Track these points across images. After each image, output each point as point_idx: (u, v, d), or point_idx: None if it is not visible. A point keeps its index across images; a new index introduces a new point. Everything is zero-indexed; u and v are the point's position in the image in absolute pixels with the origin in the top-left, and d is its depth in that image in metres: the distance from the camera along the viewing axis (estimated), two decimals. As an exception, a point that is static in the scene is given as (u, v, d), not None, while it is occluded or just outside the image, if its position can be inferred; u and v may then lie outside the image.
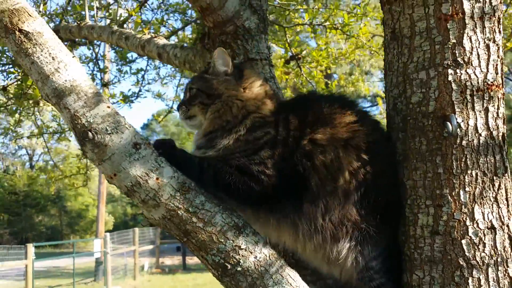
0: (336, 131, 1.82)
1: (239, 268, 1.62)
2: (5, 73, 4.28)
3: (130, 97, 4.76)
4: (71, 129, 1.62)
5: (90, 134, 1.57)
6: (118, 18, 3.54)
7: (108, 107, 1.62)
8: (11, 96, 4.31)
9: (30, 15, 1.63)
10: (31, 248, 13.09)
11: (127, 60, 4.62)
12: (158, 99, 5.26)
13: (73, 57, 1.65)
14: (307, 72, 4.61)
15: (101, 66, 4.89)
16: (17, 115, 4.74)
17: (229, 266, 1.63)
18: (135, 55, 4.39)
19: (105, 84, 4.97)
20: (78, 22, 3.53)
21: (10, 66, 4.16)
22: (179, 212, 1.61)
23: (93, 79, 4.80)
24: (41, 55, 1.60)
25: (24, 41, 1.60)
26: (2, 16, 1.60)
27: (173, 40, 5.02)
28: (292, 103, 2.07)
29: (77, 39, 3.86)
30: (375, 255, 1.80)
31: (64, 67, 1.61)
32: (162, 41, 2.77)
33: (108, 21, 4.08)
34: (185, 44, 3.55)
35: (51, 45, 1.62)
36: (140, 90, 4.73)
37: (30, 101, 4.34)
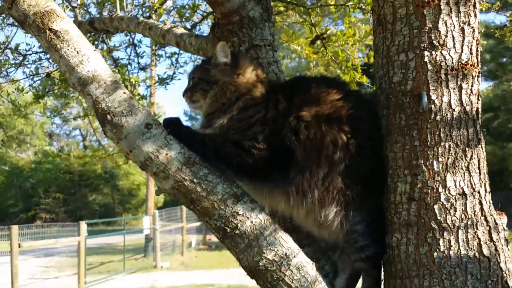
0: (320, 108, 2.03)
1: (237, 231, 1.85)
2: (50, 60, 4.66)
3: (165, 79, 5.06)
4: (94, 112, 1.90)
5: (108, 116, 1.84)
6: (144, 10, 3.83)
7: (124, 93, 1.87)
8: (57, 81, 4.67)
9: (58, 16, 1.89)
10: (83, 225, 13.64)
11: (162, 44, 4.90)
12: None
13: (94, 50, 1.92)
14: (332, 51, 4.78)
15: (138, 51, 5.21)
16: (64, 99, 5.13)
17: (228, 230, 1.86)
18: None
19: (142, 68, 5.29)
20: (110, 14, 3.84)
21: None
22: (185, 183, 1.84)
23: (130, 64, 5.13)
24: (68, 49, 1.86)
25: (54, 38, 1.87)
26: (35, 17, 1.87)
27: (206, 23, 5.26)
28: (283, 86, 2.29)
29: (110, 29, 4.15)
30: (359, 220, 2.01)
31: (87, 59, 1.87)
32: (179, 30, 3.02)
33: (139, 10, 4.38)
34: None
35: (76, 41, 1.88)
36: (174, 73, 5.02)
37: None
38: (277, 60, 2.43)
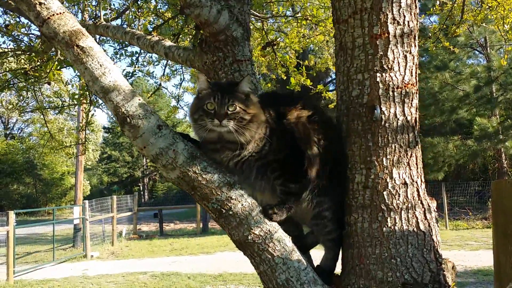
0: (300, 113, 2.48)
1: (230, 212, 2.30)
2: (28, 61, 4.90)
3: (125, 76, 5.38)
4: (114, 115, 2.29)
5: (128, 119, 2.24)
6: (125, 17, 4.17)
7: (139, 99, 2.29)
8: (30, 77, 4.91)
9: (84, 34, 2.28)
10: (12, 215, 13.64)
11: (123, 44, 5.23)
12: (147, 77, 5.87)
13: (114, 64, 2.32)
14: (281, 55, 5.32)
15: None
16: (24, 93, 5.36)
17: (223, 211, 2.30)
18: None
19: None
20: (95, 22, 4.15)
21: (28, 53, 4.76)
22: (189, 173, 2.27)
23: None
24: (92, 63, 2.25)
25: (80, 53, 2.25)
26: (64, 35, 2.25)
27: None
28: (265, 101, 2.56)
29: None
30: (328, 207, 2.50)
31: (109, 71, 2.26)
32: (168, 43, 3.40)
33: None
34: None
35: (99, 56, 2.27)
36: (134, 71, 5.35)
37: (45, 81, 4.95)
38: (255, 72, 2.89)
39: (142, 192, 50.14)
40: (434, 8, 5.55)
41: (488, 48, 21.78)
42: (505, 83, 20.04)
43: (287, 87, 5.54)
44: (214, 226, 22.88)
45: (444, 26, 5.48)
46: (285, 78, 5.91)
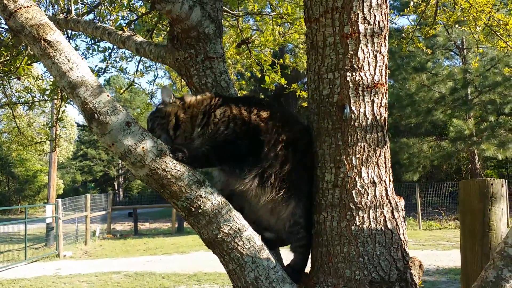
0: (271, 111, 2.53)
1: (200, 211, 2.28)
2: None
3: (98, 72, 5.32)
4: (81, 111, 2.25)
5: (95, 115, 2.20)
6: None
7: (108, 95, 2.25)
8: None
9: (51, 29, 2.23)
10: (-17, 213, 13.47)
11: (95, 39, 5.16)
12: (120, 73, 5.81)
13: (82, 59, 2.29)
14: (256, 54, 5.31)
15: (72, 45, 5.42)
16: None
17: (193, 209, 2.28)
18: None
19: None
20: (65, 16, 4.09)
21: (-3, 48, 4.68)
22: (158, 171, 2.24)
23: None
24: (60, 58, 2.21)
25: (48, 47, 2.20)
26: (31, 29, 2.20)
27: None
28: (238, 98, 2.75)
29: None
30: (301, 214, 2.51)
31: (76, 66, 2.22)
32: (139, 38, 3.36)
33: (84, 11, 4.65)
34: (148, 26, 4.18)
35: (67, 51, 2.23)
36: (107, 66, 5.28)
37: (15, 76, 4.87)
38: (227, 70, 2.88)
39: (116, 191, 49.75)
40: (408, 9, 5.60)
41: (465, 50, 22.03)
42: (480, 85, 20.31)
43: (262, 85, 5.56)
44: (190, 226, 22.84)
45: (418, 27, 5.53)
46: (260, 76, 5.95)
